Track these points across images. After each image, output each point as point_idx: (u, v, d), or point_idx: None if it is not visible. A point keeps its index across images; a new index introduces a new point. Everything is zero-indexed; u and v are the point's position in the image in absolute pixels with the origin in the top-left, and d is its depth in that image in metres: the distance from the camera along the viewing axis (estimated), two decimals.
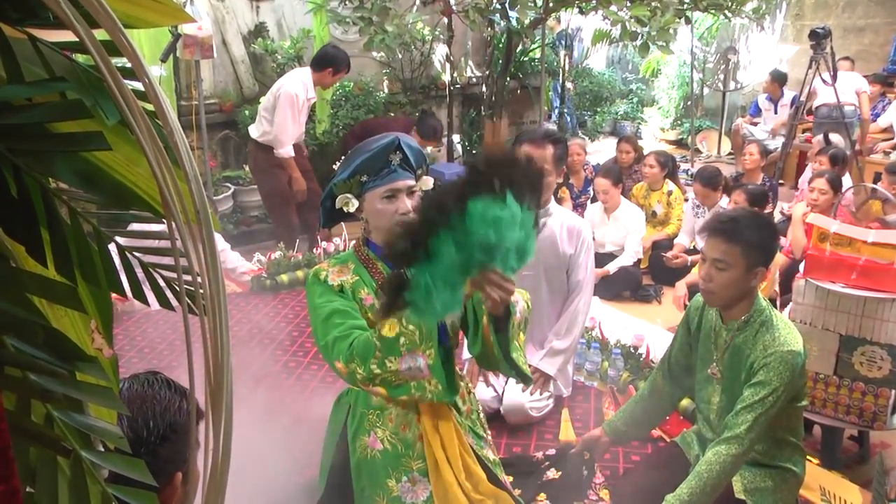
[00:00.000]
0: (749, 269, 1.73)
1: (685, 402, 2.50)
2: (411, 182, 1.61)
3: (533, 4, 4.80)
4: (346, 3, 4.65)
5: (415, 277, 1.21)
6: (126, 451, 0.51)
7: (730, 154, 7.17)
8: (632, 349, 2.97)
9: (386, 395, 1.50)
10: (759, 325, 1.77)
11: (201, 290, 0.48)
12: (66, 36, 0.45)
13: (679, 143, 7.92)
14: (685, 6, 4.75)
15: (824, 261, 2.26)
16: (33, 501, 0.46)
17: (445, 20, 5.18)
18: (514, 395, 2.57)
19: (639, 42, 4.54)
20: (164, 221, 0.48)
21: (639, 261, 4.13)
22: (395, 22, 4.56)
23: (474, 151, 6.13)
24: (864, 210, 3.96)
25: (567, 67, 7.06)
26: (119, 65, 0.45)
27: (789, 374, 1.70)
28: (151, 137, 0.45)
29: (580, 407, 2.73)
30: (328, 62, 4.06)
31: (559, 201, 4.55)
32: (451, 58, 5.54)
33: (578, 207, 4.69)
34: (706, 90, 7.87)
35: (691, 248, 4.09)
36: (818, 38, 4.85)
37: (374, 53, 5.40)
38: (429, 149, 4.79)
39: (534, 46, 6.50)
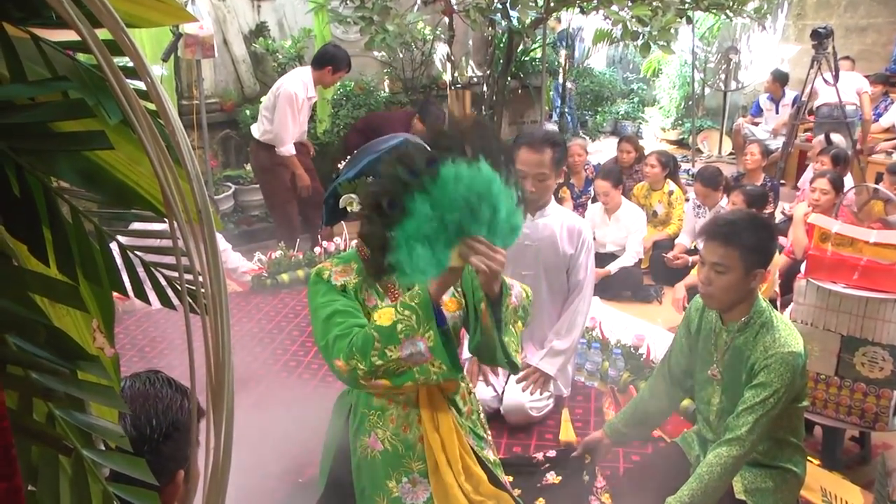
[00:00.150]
0: (748, 272, 1.73)
1: (685, 402, 2.49)
2: None
3: (534, 4, 4.80)
4: (348, 2, 4.65)
5: (395, 238, 1.29)
6: (127, 450, 0.51)
7: (731, 154, 7.17)
8: (632, 349, 2.97)
9: (389, 388, 1.50)
10: (760, 327, 1.77)
11: (203, 289, 0.48)
12: (69, 35, 0.45)
13: (680, 143, 7.92)
14: (686, 6, 4.74)
15: (826, 261, 2.26)
16: (35, 500, 0.46)
17: (446, 19, 5.18)
18: (514, 394, 2.57)
19: (640, 42, 4.53)
20: (166, 220, 0.48)
21: (639, 261, 4.13)
22: (395, 21, 4.56)
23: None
24: (865, 210, 3.96)
25: (568, 67, 7.06)
26: (121, 64, 0.45)
27: (790, 376, 1.70)
28: (153, 137, 0.45)
29: (580, 407, 2.73)
30: (328, 61, 4.08)
31: (560, 201, 4.55)
32: (452, 57, 5.54)
33: (579, 207, 4.69)
34: (707, 90, 7.87)
35: (692, 248, 4.09)
36: (820, 37, 4.85)
37: (375, 53, 5.40)
38: None
39: (535, 46, 6.50)
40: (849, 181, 4.20)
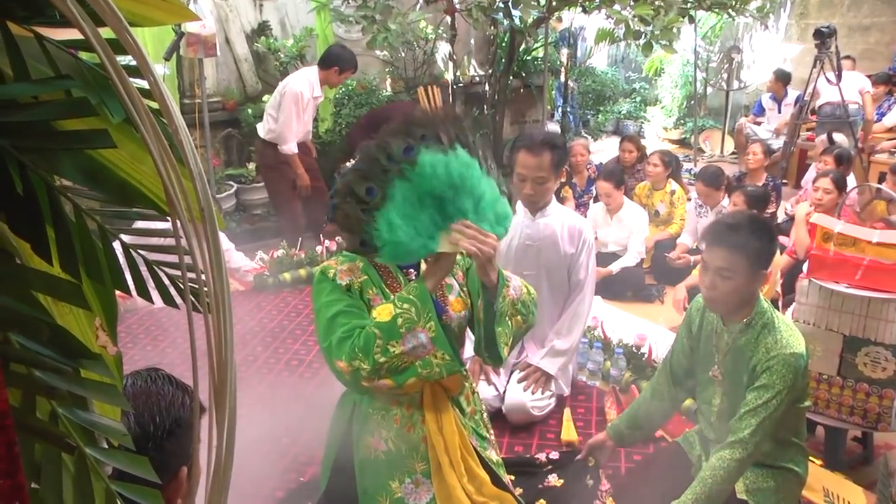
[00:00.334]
0: (752, 275, 1.72)
1: (687, 402, 2.49)
2: None
3: (536, 3, 4.79)
4: (350, 1, 4.66)
5: (377, 220, 1.38)
6: (130, 448, 0.51)
7: (733, 153, 7.16)
8: (634, 349, 2.96)
9: (392, 388, 1.50)
10: (762, 328, 1.77)
11: (205, 288, 0.48)
12: (73, 34, 0.45)
13: (682, 143, 7.90)
14: (689, 5, 4.73)
15: (828, 261, 2.25)
16: (38, 497, 0.46)
17: (448, 19, 5.17)
18: (516, 393, 2.57)
19: (642, 41, 4.53)
20: (169, 219, 0.48)
21: (641, 260, 4.12)
22: (398, 20, 4.56)
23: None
24: (868, 210, 3.95)
25: (570, 66, 7.06)
26: (124, 63, 0.45)
27: (792, 377, 1.69)
28: (156, 135, 0.45)
29: (582, 406, 2.73)
30: (334, 61, 4.11)
31: (562, 201, 4.55)
32: (454, 56, 5.54)
33: (581, 207, 4.68)
34: (709, 89, 7.85)
35: (694, 247, 4.08)
36: (823, 37, 4.83)
37: (377, 52, 5.40)
38: None
39: (537, 45, 6.49)
40: (851, 181, 4.19)
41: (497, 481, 1.68)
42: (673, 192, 4.47)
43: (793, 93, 6.28)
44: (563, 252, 2.59)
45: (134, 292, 0.63)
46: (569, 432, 2.51)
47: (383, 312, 1.47)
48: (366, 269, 1.63)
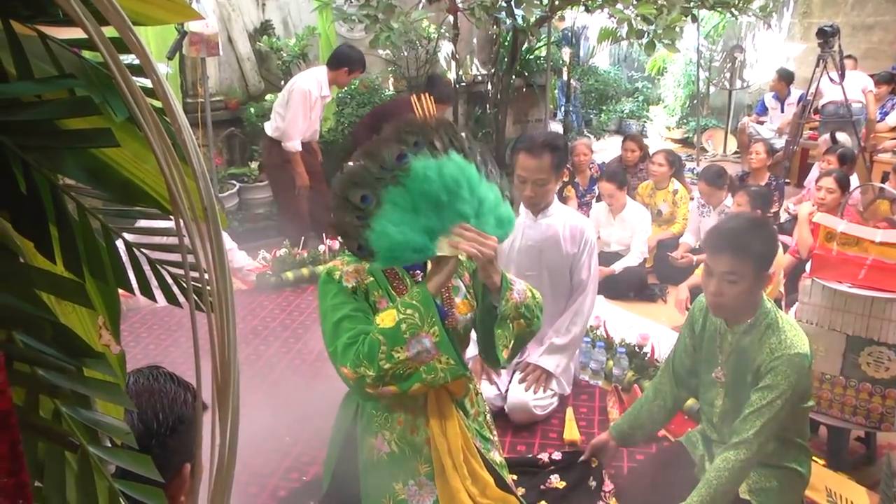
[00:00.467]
0: (757, 277, 1.72)
1: (690, 401, 2.49)
2: None
3: (539, 2, 4.79)
4: (352, 0, 4.66)
5: (373, 225, 1.40)
6: (133, 447, 0.52)
7: (736, 153, 7.14)
8: (637, 348, 2.96)
9: (397, 394, 1.50)
10: (765, 328, 1.76)
11: (208, 287, 0.48)
12: (76, 33, 0.45)
13: (685, 142, 7.89)
14: (692, 4, 4.72)
15: (831, 260, 2.25)
16: (42, 496, 0.46)
17: (451, 18, 5.17)
18: (518, 393, 2.56)
19: (645, 40, 4.53)
20: (172, 218, 0.48)
21: (644, 260, 4.12)
22: (400, 19, 4.56)
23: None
24: (871, 209, 3.94)
25: (572, 65, 7.05)
26: (127, 62, 0.45)
27: (796, 377, 1.69)
28: (159, 134, 0.45)
29: (585, 406, 2.73)
30: (343, 61, 4.15)
31: (565, 200, 4.55)
32: (457, 55, 5.53)
33: (584, 206, 4.68)
34: (712, 89, 7.84)
35: (697, 247, 4.08)
36: (826, 36, 4.82)
37: (380, 51, 5.40)
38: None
39: (539, 44, 6.49)
40: (854, 180, 4.18)
41: (501, 483, 1.68)
42: (676, 192, 4.46)
43: (796, 92, 6.27)
44: (566, 252, 2.58)
45: (137, 291, 0.63)
46: (571, 432, 2.51)
47: (387, 318, 1.46)
48: (372, 271, 1.62)
